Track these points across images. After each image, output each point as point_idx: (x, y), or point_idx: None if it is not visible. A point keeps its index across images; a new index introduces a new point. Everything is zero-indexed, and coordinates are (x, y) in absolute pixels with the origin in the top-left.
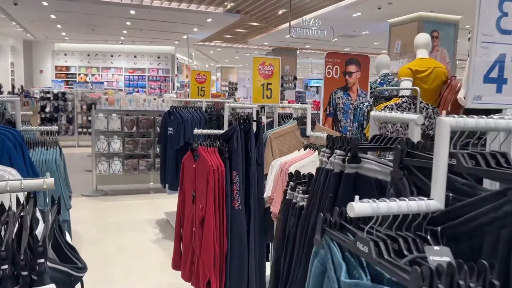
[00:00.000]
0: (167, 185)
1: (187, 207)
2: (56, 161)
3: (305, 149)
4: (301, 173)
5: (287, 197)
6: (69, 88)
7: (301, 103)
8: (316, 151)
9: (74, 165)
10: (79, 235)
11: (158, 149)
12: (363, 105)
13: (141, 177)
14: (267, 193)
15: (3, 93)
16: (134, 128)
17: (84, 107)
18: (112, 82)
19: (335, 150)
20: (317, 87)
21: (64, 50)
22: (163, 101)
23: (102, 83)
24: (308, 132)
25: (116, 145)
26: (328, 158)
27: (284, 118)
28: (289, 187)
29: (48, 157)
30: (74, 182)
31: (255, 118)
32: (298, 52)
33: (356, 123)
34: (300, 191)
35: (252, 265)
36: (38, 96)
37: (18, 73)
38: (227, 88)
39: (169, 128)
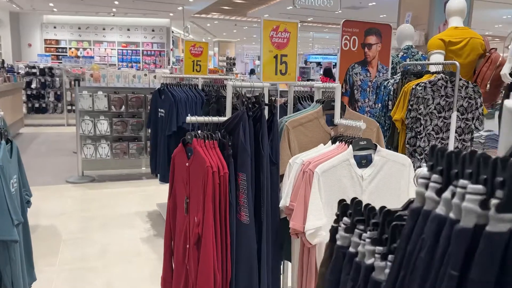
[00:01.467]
0: (158, 175)
1: (179, 217)
2: None
3: (333, 142)
4: (364, 204)
5: (338, 242)
6: (58, 62)
7: (307, 80)
8: (350, 146)
9: (61, 147)
10: (58, 233)
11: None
12: (388, 82)
13: (132, 162)
14: (284, 202)
15: None
16: (123, 107)
17: (73, 83)
18: (105, 56)
19: (460, 181)
20: (317, 62)
21: (53, 23)
22: (154, 77)
23: (92, 57)
24: (337, 119)
25: (103, 126)
26: (439, 193)
27: (301, 100)
28: (342, 225)
29: None
30: (59, 166)
31: (267, 101)
32: (299, 25)
33: (379, 104)
34: (367, 238)
35: None
36: (23, 71)
37: (5, 47)
38: (224, 64)
39: (159, 110)
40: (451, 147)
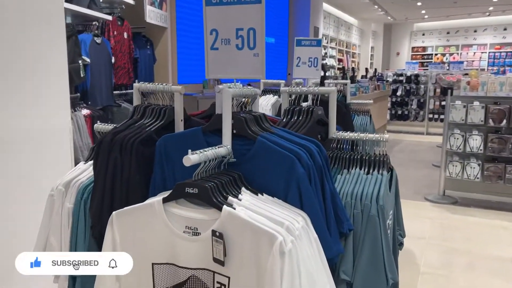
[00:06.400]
0: None
1: None
2: (379, 199)
3: None
4: None
5: None
6: (423, 69)
7: None
8: None
9: (420, 157)
10: (416, 262)
11: None
12: None
13: (507, 188)
14: None
15: (356, 77)
16: (504, 121)
17: (438, 90)
18: (473, 61)
19: None
20: None
21: (422, 30)
22: None
23: (461, 62)
24: None
25: (475, 142)
26: None
27: None
28: None
29: (367, 189)
30: (418, 179)
31: None
32: None
33: None
34: None
35: None
36: (391, 79)
37: (377, 57)
38: None
39: None
40: None
